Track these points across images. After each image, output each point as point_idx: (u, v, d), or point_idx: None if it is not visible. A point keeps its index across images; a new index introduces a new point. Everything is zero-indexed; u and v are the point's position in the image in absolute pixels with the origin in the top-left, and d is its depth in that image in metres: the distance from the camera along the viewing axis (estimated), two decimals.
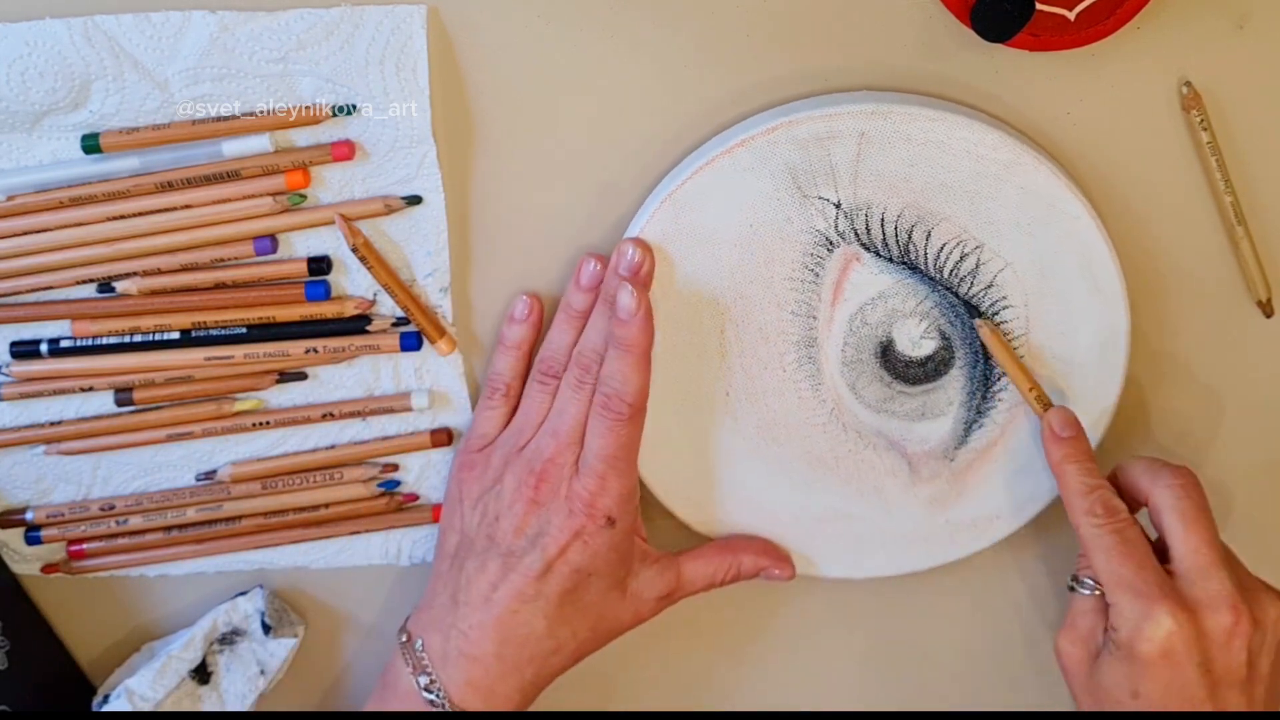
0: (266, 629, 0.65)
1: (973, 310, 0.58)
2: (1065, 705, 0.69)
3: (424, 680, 0.58)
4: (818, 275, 0.58)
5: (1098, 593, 0.57)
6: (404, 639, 0.60)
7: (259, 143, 0.57)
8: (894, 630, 0.68)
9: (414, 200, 0.58)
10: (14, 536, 0.65)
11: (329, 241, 0.59)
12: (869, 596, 0.67)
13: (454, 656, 0.58)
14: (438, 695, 0.58)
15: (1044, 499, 0.62)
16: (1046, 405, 0.59)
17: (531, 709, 0.60)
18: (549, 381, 0.60)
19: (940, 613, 0.68)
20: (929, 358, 0.59)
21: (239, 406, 0.62)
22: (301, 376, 0.62)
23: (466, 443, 0.62)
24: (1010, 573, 0.67)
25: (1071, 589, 0.58)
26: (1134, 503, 0.58)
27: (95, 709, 0.63)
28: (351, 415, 0.62)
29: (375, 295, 0.60)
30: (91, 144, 0.57)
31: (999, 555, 0.65)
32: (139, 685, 0.62)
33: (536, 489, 0.58)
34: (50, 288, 0.60)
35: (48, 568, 0.65)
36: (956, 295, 0.58)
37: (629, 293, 0.56)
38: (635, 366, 0.57)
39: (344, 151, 0.57)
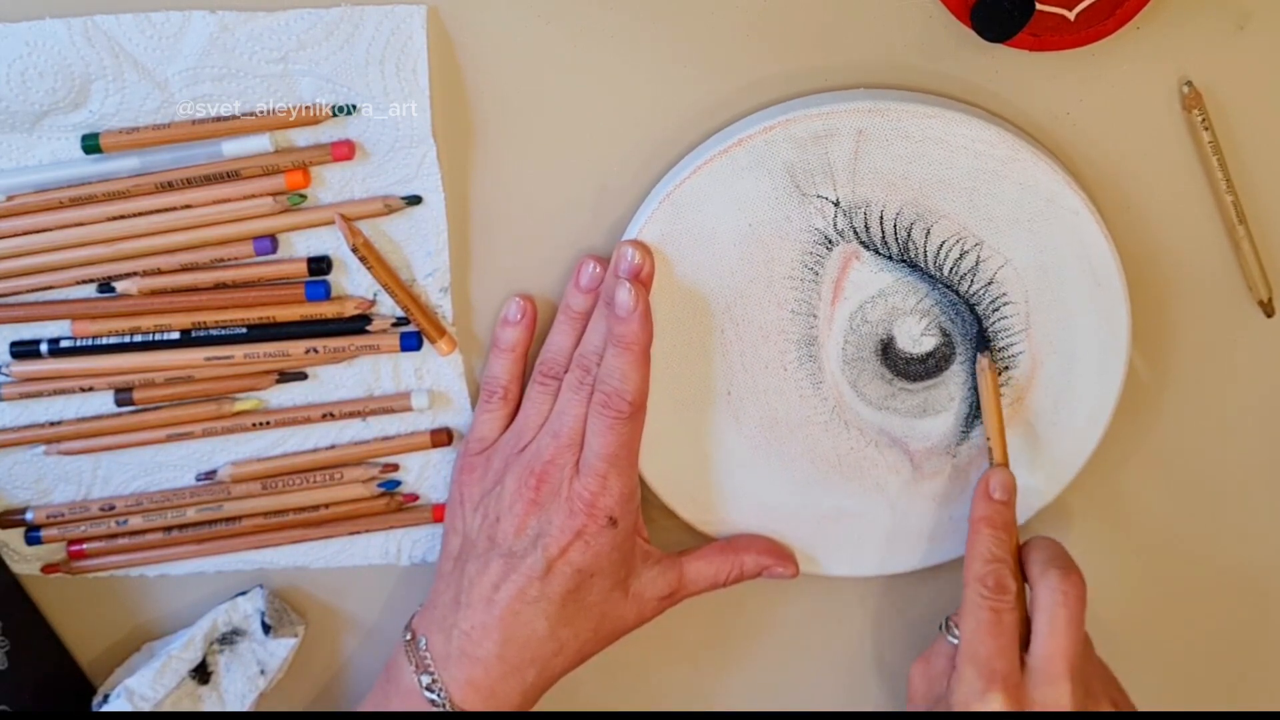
0: (266, 629, 0.65)
1: (983, 342, 0.59)
2: None
3: (426, 679, 0.58)
4: (817, 274, 0.58)
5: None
6: (408, 637, 0.60)
7: (259, 143, 0.57)
8: (898, 628, 0.68)
9: (414, 200, 0.58)
10: (14, 536, 0.65)
11: (329, 241, 0.59)
12: (873, 594, 0.67)
13: (456, 656, 0.58)
14: (439, 695, 0.58)
15: (1047, 495, 0.62)
16: (1001, 462, 0.59)
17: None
18: (549, 383, 0.60)
19: (945, 610, 0.67)
20: (930, 354, 0.59)
21: (239, 406, 0.62)
22: (301, 376, 0.62)
23: (466, 446, 0.62)
24: None
25: (941, 629, 0.59)
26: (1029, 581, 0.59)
27: (95, 709, 0.63)
28: (351, 415, 0.62)
29: (375, 295, 0.60)
30: (91, 144, 0.57)
31: None
32: (139, 685, 0.62)
33: (537, 489, 0.58)
34: (50, 288, 0.60)
35: (48, 568, 0.65)
36: (957, 293, 0.58)
37: (627, 290, 0.56)
38: (634, 364, 0.57)
39: (344, 151, 0.57)
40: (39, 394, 0.61)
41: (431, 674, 0.58)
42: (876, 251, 0.57)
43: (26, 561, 0.65)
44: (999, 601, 0.56)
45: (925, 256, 0.57)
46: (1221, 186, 0.57)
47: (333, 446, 0.63)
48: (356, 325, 0.60)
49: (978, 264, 0.57)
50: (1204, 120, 0.56)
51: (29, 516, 0.64)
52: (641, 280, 0.57)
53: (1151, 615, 0.68)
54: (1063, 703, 0.54)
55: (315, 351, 0.61)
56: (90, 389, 0.61)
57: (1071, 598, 0.56)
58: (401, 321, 0.61)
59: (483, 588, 0.59)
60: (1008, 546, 0.58)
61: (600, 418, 0.57)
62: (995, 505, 0.58)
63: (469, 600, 0.59)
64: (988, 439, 0.59)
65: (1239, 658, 0.69)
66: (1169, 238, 0.59)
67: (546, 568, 0.58)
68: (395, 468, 0.64)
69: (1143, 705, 0.69)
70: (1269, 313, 0.60)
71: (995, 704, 0.54)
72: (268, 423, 0.62)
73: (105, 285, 0.60)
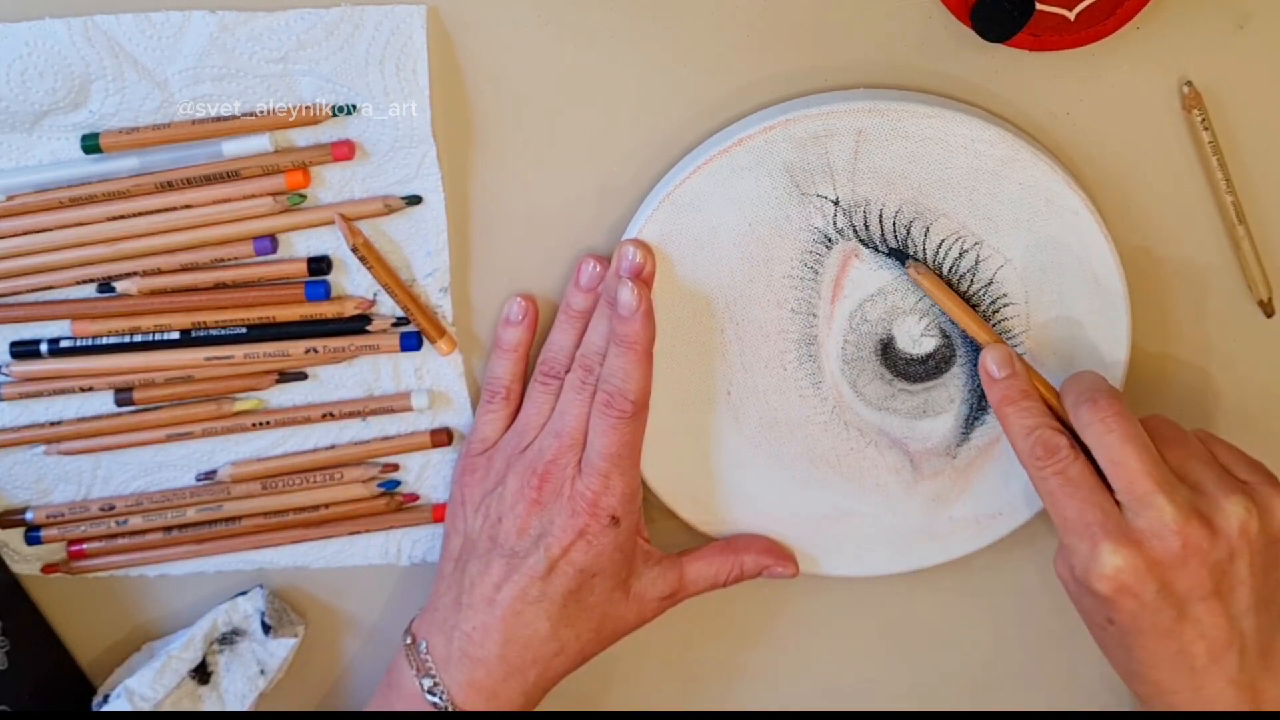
0: (266, 629, 0.65)
1: (901, 257, 0.57)
2: (1069, 704, 0.69)
3: (427, 682, 0.58)
4: (817, 273, 0.58)
5: None
6: (408, 640, 0.60)
7: (259, 143, 0.57)
8: (897, 628, 0.68)
9: (414, 200, 0.58)
10: (14, 536, 0.65)
11: (329, 241, 0.59)
12: (872, 594, 0.67)
13: (457, 658, 0.58)
14: (440, 697, 0.58)
15: None
16: (989, 341, 0.57)
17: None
18: (550, 383, 0.60)
19: (943, 610, 0.68)
20: (930, 355, 0.59)
21: (239, 406, 0.62)
22: (301, 376, 0.62)
23: (468, 446, 0.62)
24: (1013, 569, 0.67)
25: None
26: None
27: (95, 709, 0.63)
28: (351, 415, 0.62)
29: (375, 295, 0.60)
30: (91, 144, 0.57)
31: (1002, 552, 0.65)
32: (139, 685, 0.62)
33: (539, 489, 0.58)
34: (50, 288, 0.60)
35: (48, 568, 0.65)
36: (956, 292, 0.58)
37: (630, 289, 0.56)
38: (637, 364, 0.57)
39: (344, 151, 0.57)
40: (39, 394, 0.61)
41: (433, 677, 0.58)
42: (876, 249, 0.57)
43: (26, 561, 0.65)
44: (1055, 463, 0.54)
45: (925, 255, 0.57)
46: (1221, 186, 0.57)
47: (333, 446, 0.63)
48: (356, 325, 0.60)
49: (977, 263, 0.57)
50: (1204, 120, 0.56)
51: (29, 516, 0.64)
52: (644, 279, 0.57)
53: None
54: (1166, 518, 0.52)
55: (315, 351, 0.61)
56: (90, 389, 0.61)
57: (1109, 419, 0.54)
58: (401, 321, 0.61)
59: (484, 588, 0.59)
60: (1038, 410, 0.56)
61: (603, 417, 0.57)
62: (1003, 383, 0.56)
63: (470, 601, 0.59)
64: (973, 323, 0.57)
65: None
66: (1169, 238, 0.59)
67: (548, 568, 0.58)
68: (395, 468, 0.64)
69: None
70: (1269, 313, 0.60)
71: (1108, 555, 0.52)
72: (268, 423, 0.62)
73: (105, 285, 0.60)
